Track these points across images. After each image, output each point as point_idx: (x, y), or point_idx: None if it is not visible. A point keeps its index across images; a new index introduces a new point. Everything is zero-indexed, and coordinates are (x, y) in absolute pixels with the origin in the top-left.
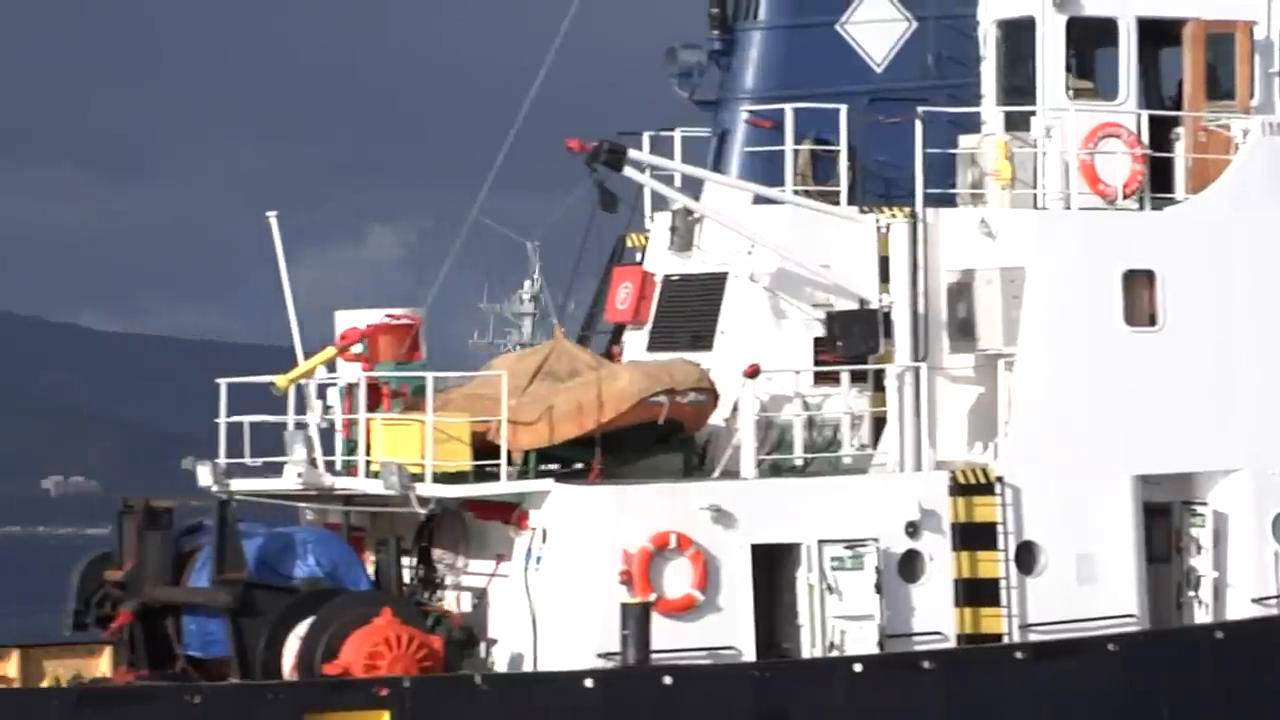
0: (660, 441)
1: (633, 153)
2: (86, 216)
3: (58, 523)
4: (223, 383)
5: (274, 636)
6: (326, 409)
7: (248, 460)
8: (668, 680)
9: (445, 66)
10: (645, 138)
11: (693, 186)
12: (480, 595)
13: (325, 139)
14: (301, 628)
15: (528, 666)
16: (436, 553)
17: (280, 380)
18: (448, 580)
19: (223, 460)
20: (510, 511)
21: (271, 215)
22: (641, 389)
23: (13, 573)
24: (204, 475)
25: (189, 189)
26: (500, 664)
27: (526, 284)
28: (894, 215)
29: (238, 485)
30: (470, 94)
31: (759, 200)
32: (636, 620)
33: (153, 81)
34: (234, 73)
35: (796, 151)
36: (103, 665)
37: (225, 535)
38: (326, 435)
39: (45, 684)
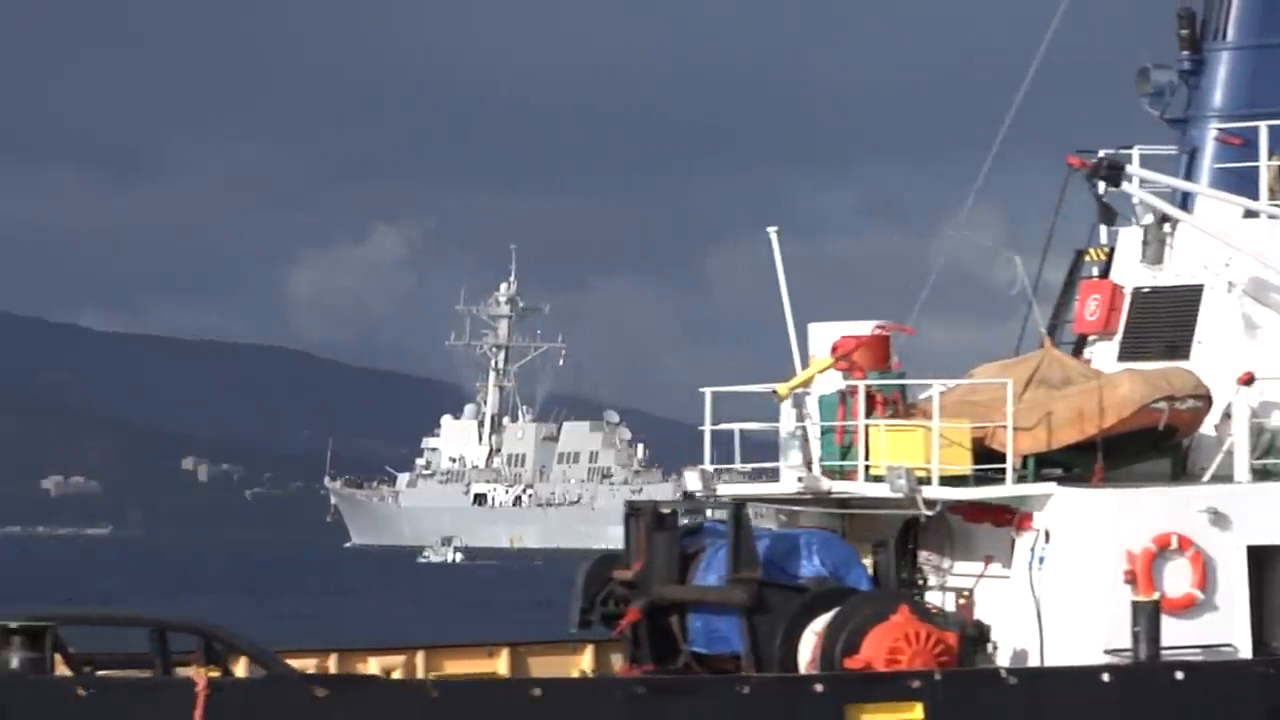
0: (1153, 446)
1: (1130, 169)
2: (86, 216)
3: (58, 523)
4: (707, 391)
5: (790, 633)
6: (804, 417)
7: (738, 466)
8: (1179, 675)
9: (448, 67)
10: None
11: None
12: (965, 595)
13: (326, 138)
14: (818, 624)
15: (1032, 662)
16: (921, 554)
17: (782, 388)
18: (931, 581)
19: (709, 465)
20: (1001, 514)
21: (772, 230)
22: (1143, 395)
23: (14, 572)
24: (692, 480)
25: (189, 189)
26: (1002, 660)
27: (503, 286)
28: None
29: (724, 489)
30: (473, 94)
31: (1248, 214)
32: (1148, 617)
33: (154, 81)
34: (235, 73)
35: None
36: (584, 662)
37: (740, 536)
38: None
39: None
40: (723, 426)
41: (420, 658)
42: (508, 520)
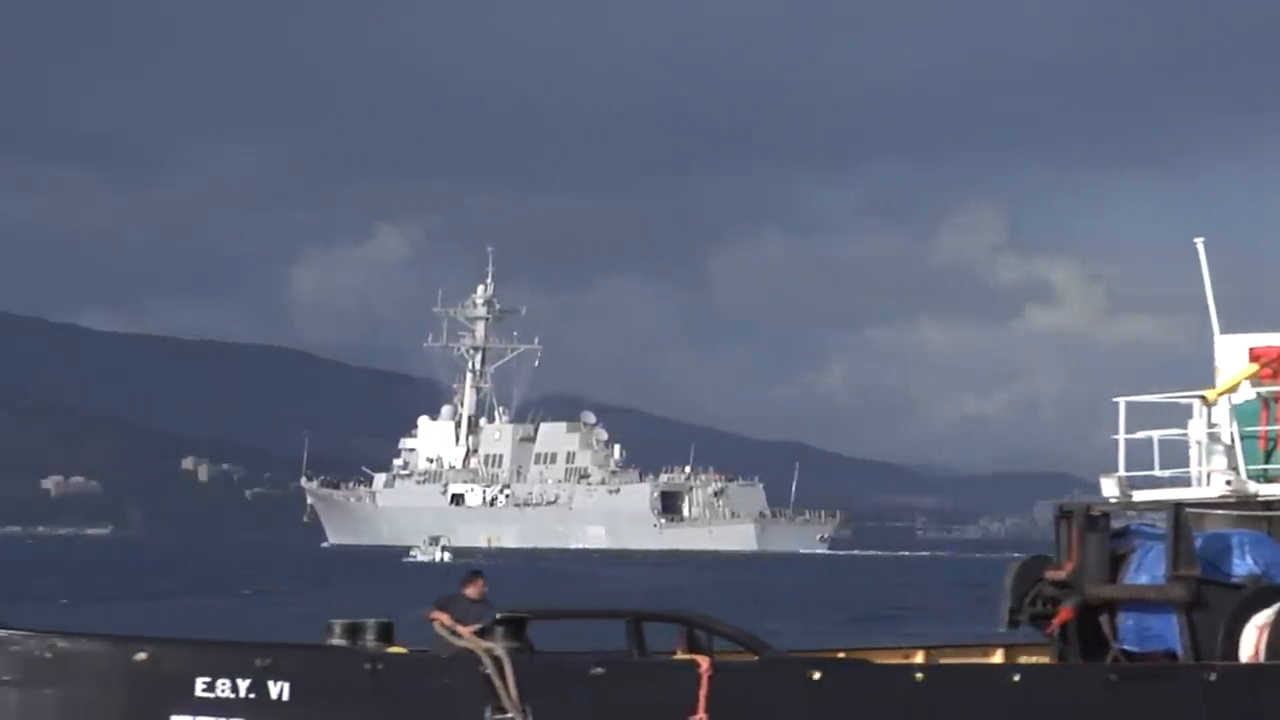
0: None
1: None
2: (86, 216)
3: (58, 523)
4: (1121, 401)
5: (1231, 628)
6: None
7: (1156, 472)
8: None
9: (449, 66)
10: None
11: None
12: None
13: (326, 138)
14: (1260, 618)
15: None
16: None
17: (1210, 394)
18: None
19: (1124, 472)
20: None
21: (1198, 241)
22: None
23: (13, 572)
24: (1108, 487)
25: (189, 189)
26: None
27: (480, 289)
28: None
29: (1140, 495)
30: (474, 93)
31: None
32: None
33: (154, 81)
34: (236, 73)
35: None
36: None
37: (1180, 536)
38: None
39: None
40: (1139, 435)
41: None
42: (485, 520)
